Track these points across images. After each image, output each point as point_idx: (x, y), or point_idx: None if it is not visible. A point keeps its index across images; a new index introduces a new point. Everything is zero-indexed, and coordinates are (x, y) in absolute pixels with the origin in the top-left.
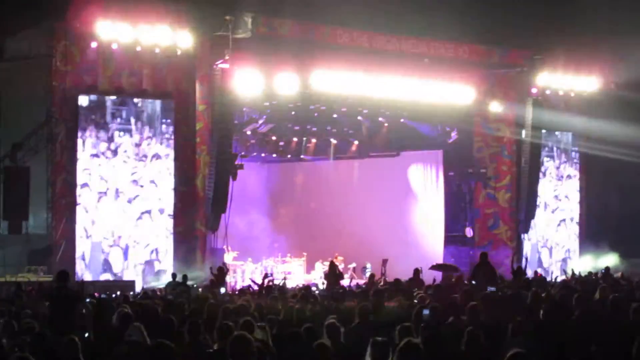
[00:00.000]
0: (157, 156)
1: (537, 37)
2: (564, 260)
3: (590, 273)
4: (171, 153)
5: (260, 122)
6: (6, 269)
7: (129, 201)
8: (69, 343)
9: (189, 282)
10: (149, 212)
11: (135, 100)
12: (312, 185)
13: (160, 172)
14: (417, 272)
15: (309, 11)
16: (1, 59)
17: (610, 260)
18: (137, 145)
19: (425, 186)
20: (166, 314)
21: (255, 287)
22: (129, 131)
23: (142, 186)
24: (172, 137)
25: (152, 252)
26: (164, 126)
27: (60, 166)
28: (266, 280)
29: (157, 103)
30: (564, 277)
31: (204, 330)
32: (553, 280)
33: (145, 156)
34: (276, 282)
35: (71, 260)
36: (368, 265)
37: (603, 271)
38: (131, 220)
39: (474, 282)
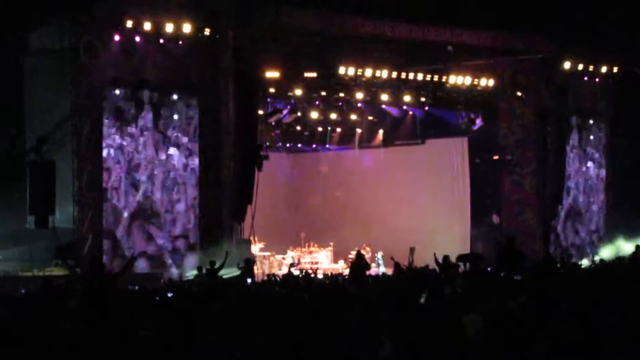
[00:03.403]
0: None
1: (560, 21)
2: (593, 245)
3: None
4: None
5: (285, 112)
6: (33, 263)
7: None
8: None
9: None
10: None
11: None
12: (337, 174)
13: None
14: (446, 258)
15: (331, 1)
16: (26, 53)
17: None
18: None
19: (451, 174)
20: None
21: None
22: None
23: None
24: (136, 125)
25: None
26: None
27: (86, 159)
28: (292, 269)
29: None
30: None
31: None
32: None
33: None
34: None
35: (99, 253)
36: (379, 255)
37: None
38: None
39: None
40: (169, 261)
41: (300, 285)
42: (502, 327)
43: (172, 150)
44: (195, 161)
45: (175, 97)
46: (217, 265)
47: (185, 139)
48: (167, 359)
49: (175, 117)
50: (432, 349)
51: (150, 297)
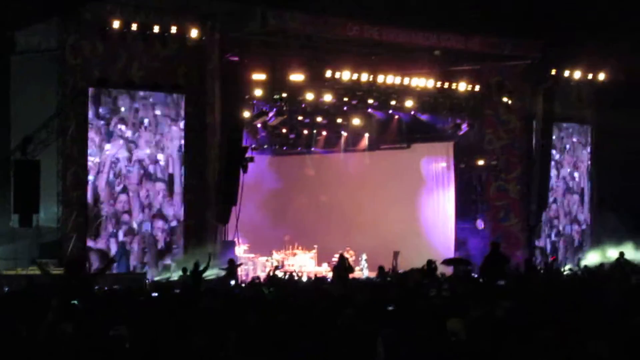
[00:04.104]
0: None
1: (548, 28)
2: (577, 251)
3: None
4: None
5: (271, 114)
6: (17, 262)
7: None
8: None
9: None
10: None
11: None
12: (323, 177)
13: None
14: (430, 263)
15: (319, 4)
16: (12, 53)
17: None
18: None
19: (436, 178)
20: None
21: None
22: None
23: None
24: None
25: None
26: None
27: (71, 159)
28: (277, 272)
29: None
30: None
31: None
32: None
33: None
34: (283, 274)
35: (82, 253)
36: (363, 257)
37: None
38: None
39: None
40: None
41: (286, 288)
42: (488, 332)
43: (116, 142)
44: (139, 154)
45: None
46: (201, 267)
47: (129, 132)
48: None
49: (123, 109)
50: (419, 351)
51: (134, 297)
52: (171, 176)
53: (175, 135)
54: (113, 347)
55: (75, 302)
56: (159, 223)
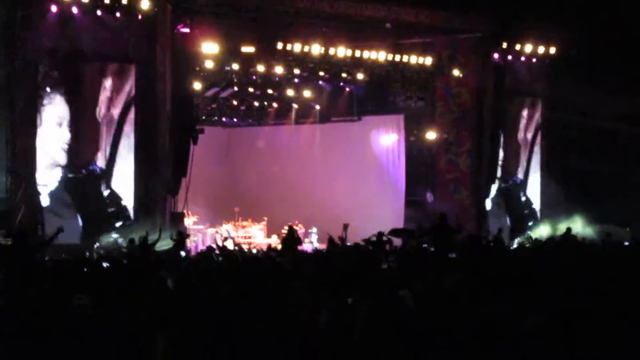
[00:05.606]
0: None
1: (500, 1)
2: (527, 224)
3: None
4: None
5: (222, 86)
6: None
7: None
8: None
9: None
10: None
11: None
12: (273, 150)
13: None
14: (380, 235)
15: None
16: None
17: (574, 225)
18: None
19: (387, 151)
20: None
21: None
22: None
23: None
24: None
25: None
26: None
27: (20, 131)
28: (226, 243)
29: None
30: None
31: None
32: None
33: None
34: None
35: (32, 224)
36: (313, 230)
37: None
38: None
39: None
40: None
41: (237, 258)
42: (436, 304)
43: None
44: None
45: None
46: (151, 240)
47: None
48: (107, 328)
49: (71, 80)
50: (368, 323)
51: (83, 267)
52: (119, 146)
53: (124, 106)
54: (78, 315)
55: None
56: (106, 193)
